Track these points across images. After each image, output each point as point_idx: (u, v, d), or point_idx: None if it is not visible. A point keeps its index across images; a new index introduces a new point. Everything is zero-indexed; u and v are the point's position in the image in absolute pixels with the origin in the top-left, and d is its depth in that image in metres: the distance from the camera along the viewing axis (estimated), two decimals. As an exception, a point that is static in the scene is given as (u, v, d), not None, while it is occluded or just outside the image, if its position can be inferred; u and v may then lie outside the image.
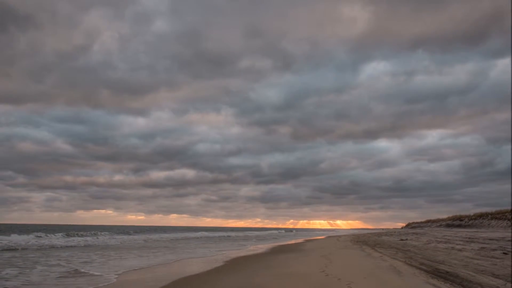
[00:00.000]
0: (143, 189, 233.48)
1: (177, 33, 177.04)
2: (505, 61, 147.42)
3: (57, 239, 48.95)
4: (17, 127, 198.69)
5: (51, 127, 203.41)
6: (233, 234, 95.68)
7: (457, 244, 29.83)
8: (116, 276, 17.58)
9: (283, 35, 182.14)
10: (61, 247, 38.62)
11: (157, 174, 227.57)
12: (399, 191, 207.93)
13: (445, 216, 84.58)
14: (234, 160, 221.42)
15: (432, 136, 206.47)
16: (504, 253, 22.03)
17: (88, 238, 53.52)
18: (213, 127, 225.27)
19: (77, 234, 61.46)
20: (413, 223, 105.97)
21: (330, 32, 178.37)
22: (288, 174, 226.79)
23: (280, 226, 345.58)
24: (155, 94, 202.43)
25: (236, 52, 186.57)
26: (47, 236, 53.41)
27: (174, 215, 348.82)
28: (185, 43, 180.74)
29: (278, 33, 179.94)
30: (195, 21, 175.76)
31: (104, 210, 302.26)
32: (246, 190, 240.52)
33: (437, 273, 15.05)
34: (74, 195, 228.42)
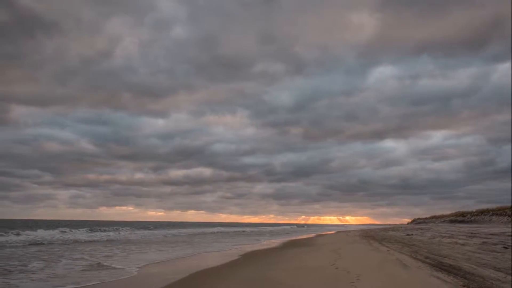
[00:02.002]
0: (162, 187, 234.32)
1: (195, 39, 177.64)
2: (506, 65, 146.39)
3: (81, 234, 49.29)
4: (43, 128, 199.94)
5: (75, 128, 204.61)
6: (247, 229, 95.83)
7: (460, 239, 29.70)
8: (137, 269, 17.70)
9: (295, 41, 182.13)
10: (84, 241, 38.89)
11: (176, 173, 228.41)
12: (405, 188, 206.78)
13: (448, 212, 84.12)
14: (248, 159, 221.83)
15: (436, 137, 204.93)
16: (504, 247, 21.94)
17: (110, 233, 53.85)
18: (229, 128, 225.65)
19: (100, 229, 61.80)
20: (418, 219, 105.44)
21: (339, 38, 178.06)
22: (300, 172, 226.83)
23: (292, 221, 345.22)
24: (174, 96, 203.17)
25: (251, 57, 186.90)
26: (71, 231, 53.77)
27: (191, 211, 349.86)
28: (203, 48, 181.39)
29: (290, 39, 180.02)
30: (212, 27, 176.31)
31: (125, 207, 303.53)
32: (260, 187, 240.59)
33: (441, 266, 15.02)
34: (97, 193, 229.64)
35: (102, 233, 53.29)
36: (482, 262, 15.99)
